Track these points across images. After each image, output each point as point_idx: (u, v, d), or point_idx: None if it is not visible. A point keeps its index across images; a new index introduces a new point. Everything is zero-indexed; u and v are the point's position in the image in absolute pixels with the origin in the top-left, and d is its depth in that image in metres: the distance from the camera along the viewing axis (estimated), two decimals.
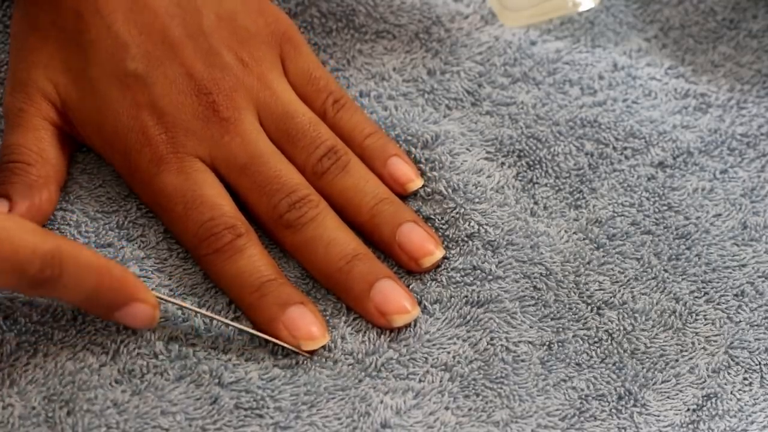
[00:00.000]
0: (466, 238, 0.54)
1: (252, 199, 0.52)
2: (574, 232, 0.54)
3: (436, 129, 0.57)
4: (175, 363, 0.49)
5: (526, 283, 0.53)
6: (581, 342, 0.51)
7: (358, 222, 0.53)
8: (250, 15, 0.55)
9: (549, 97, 0.59)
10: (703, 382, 0.50)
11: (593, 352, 0.51)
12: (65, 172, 0.53)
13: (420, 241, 0.52)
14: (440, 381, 0.50)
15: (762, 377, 0.51)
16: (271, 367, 0.49)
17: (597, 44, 0.61)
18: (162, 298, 0.49)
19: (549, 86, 0.59)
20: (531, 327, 0.51)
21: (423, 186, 0.55)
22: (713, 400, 0.50)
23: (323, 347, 0.50)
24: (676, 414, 0.49)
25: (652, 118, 0.58)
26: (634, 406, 0.50)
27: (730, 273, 0.54)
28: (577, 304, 0.52)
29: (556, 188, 0.56)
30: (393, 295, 0.51)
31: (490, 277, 0.52)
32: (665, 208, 0.56)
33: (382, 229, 0.53)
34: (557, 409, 0.49)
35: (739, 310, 0.53)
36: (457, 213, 0.54)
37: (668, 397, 0.50)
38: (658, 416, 0.49)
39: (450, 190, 0.55)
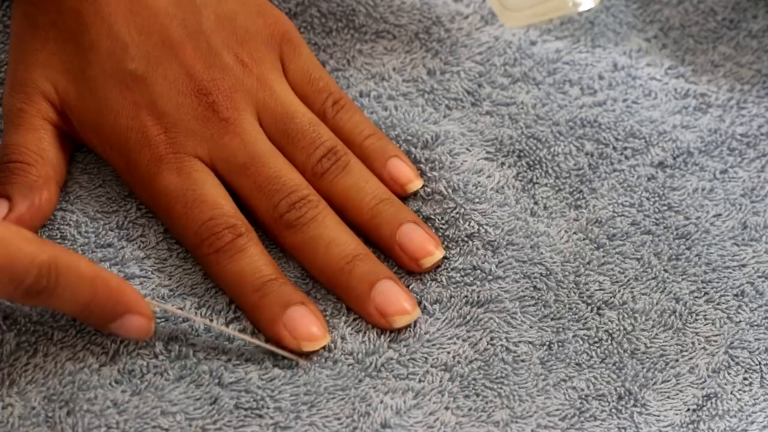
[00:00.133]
0: (466, 238, 0.54)
1: (252, 199, 0.52)
2: (574, 232, 0.54)
3: (436, 129, 0.57)
4: (175, 363, 0.49)
5: (526, 283, 0.53)
6: (581, 342, 0.51)
7: (358, 222, 0.53)
8: (250, 16, 0.55)
9: (549, 97, 0.59)
10: (703, 382, 0.50)
11: (593, 352, 0.51)
12: (65, 172, 0.53)
13: (420, 241, 0.52)
14: (440, 381, 0.50)
15: (762, 377, 0.51)
16: (271, 367, 0.49)
17: (597, 44, 0.61)
18: (160, 308, 0.49)
19: (549, 86, 0.59)
20: (531, 327, 0.51)
21: (423, 186, 0.55)
22: (713, 400, 0.50)
23: (323, 347, 0.50)
24: (676, 414, 0.49)
25: (652, 118, 0.58)
26: (634, 406, 0.50)
27: (730, 273, 0.54)
28: (577, 304, 0.52)
29: (556, 188, 0.56)
30: (394, 297, 0.51)
31: (490, 277, 0.52)
32: (665, 208, 0.56)
33: (382, 229, 0.53)
34: (557, 409, 0.49)
35: (739, 310, 0.53)
36: (457, 213, 0.54)
37: (668, 397, 0.50)
38: (658, 416, 0.49)
39: (450, 190, 0.55)
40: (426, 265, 0.52)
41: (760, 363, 0.51)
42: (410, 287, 0.52)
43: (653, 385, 0.50)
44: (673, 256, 0.54)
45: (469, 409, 0.49)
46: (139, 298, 0.48)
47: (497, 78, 0.59)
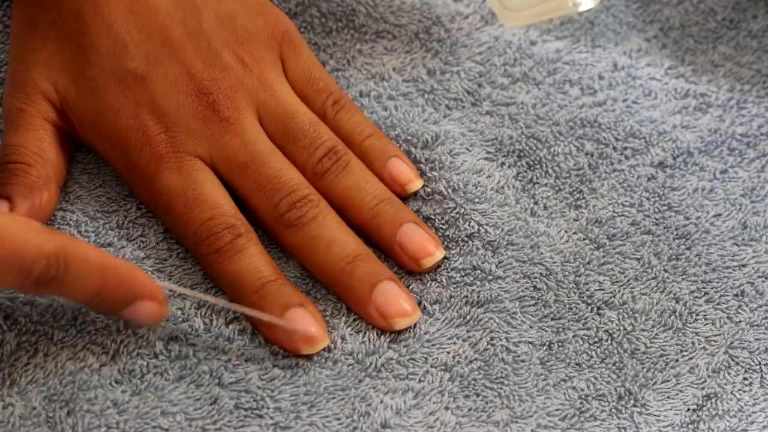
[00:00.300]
0: (466, 238, 0.54)
1: (252, 198, 0.52)
2: (574, 232, 0.54)
3: (436, 129, 0.57)
4: (175, 363, 0.49)
5: (526, 283, 0.53)
6: (581, 342, 0.51)
7: (358, 222, 0.53)
8: (250, 15, 0.55)
9: (549, 97, 0.59)
10: (703, 382, 0.50)
11: (593, 352, 0.51)
12: (65, 172, 0.53)
13: (420, 241, 0.52)
14: (440, 381, 0.50)
15: (762, 377, 0.51)
16: (271, 367, 0.49)
17: (597, 44, 0.61)
18: (172, 290, 0.49)
19: (549, 86, 0.59)
20: (531, 327, 0.51)
21: (423, 186, 0.55)
22: (713, 400, 0.50)
23: (323, 348, 0.50)
24: (676, 414, 0.49)
25: (652, 118, 0.58)
26: (634, 406, 0.50)
27: (730, 273, 0.54)
28: (577, 304, 0.52)
29: (556, 188, 0.56)
30: (395, 298, 0.51)
31: (490, 277, 0.52)
32: (665, 208, 0.56)
33: (382, 229, 0.53)
34: (557, 409, 0.49)
35: (739, 310, 0.53)
36: (457, 213, 0.54)
37: (668, 397, 0.50)
38: (658, 416, 0.49)
39: (450, 190, 0.55)
40: (426, 266, 0.52)
41: (760, 363, 0.51)
42: (410, 287, 0.52)
43: (653, 385, 0.50)
44: (673, 256, 0.54)
45: (469, 409, 0.49)
46: (151, 282, 0.47)
47: (497, 78, 0.59)
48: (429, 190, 0.55)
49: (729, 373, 0.51)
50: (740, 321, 0.52)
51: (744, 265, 0.54)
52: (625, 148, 0.57)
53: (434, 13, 0.61)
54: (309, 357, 0.50)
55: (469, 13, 0.62)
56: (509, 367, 0.50)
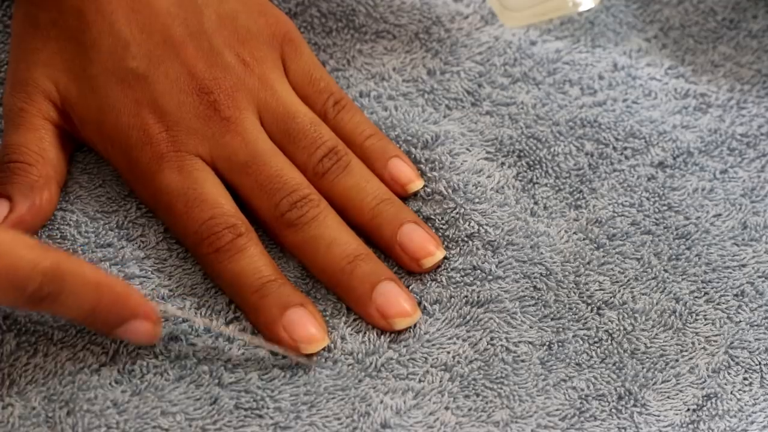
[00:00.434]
0: (466, 238, 0.54)
1: (253, 198, 0.52)
2: (574, 232, 0.54)
3: (436, 129, 0.57)
4: (175, 363, 0.49)
5: (526, 283, 0.53)
6: (581, 342, 0.51)
7: (358, 222, 0.53)
8: (251, 15, 0.55)
9: (549, 97, 0.59)
10: (703, 382, 0.50)
11: (593, 352, 0.51)
12: (65, 171, 0.53)
13: (421, 241, 0.52)
14: (440, 381, 0.50)
15: (762, 377, 0.51)
16: (271, 367, 0.49)
17: (597, 44, 0.61)
18: (166, 312, 0.49)
19: (549, 86, 0.59)
20: (531, 327, 0.51)
21: (423, 186, 0.55)
22: (713, 400, 0.50)
23: (323, 347, 0.50)
24: (676, 414, 0.49)
25: (652, 118, 0.58)
26: (634, 406, 0.50)
27: (730, 273, 0.54)
28: (577, 304, 0.52)
29: (556, 188, 0.56)
30: (395, 298, 0.51)
31: (490, 277, 0.52)
32: (665, 208, 0.56)
33: (383, 229, 0.53)
34: (557, 409, 0.49)
35: (739, 310, 0.53)
36: (457, 213, 0.54)
37: (668, 397, 0.50)
38: (658, 416, 0.49)
39: (450, 191, 0.55)
40: (427, 266, 0.52)
41: (760, 363, 0.51)
42: (410, 287, 0.52)
43: (653, 385, 0.50)
44: (673, 256, 0.54)
45: (469, 409, 0.49)
46: (145, 302, 0.47)
47: (497, 78, 0.59)
48: (429, 190, 0.55)
49: (729, 373, 0.51)
50: (740, 321, 0.52)
51: (744, 265, 0.54)
52: (625, 148, 0.57)
53: (434, 13, 0.61)
54: (309, 357, 0.50)
55: (469, 13, 0.62)
56: (509, 367, 0.50)
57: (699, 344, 0.52)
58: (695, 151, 0.58)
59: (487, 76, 0.59)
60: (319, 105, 0.55)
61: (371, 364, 0.50)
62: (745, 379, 0.51)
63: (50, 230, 0.52)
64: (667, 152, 0.57)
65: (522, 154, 0.57)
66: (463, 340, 0.51)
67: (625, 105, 0.59)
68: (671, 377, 0.50)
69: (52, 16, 0.53)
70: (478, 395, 0.49)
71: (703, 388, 0.50)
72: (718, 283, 0.53)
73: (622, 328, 0.52)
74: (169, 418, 0.47)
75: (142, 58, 0.52)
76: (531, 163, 0.56)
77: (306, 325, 0.49)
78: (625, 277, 0.53)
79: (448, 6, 0.62)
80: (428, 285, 0.52)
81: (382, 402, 0.49)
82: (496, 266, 0.53)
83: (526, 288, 0.52)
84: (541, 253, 0.54)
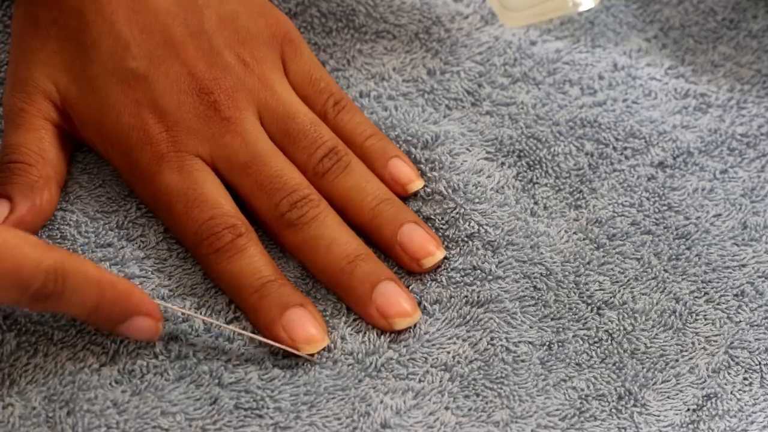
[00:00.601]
0: (466, 238, 0.54)
1: (253, 198, 0.52)
2: (574, 232, 0.54)
3: (436, 129, 0.57)
4: (175, 363, 0.49)
5: (526, 283, 0.53)
6: (581, 342, 0.51)
7: (359, 222, 0.53)
8: (252, 16, 0.55)
9: (549, 97, 0.59)
10: (703, 382, 0.50)
11: (593, 352, 0.51)
12: (65, 172, 0.53)
13: (421, 241, 0.52)
14: (440, 381, 0.50)
15: (762, 377, 0.51)
16: (271, 367, 0.49)
17: (597, 44, 0.61)
18: (167, 308, 0.49)
19: (549, 86, 0.59)
20: (531, 327, 0.51)
21: (423, 186, 0.55)
22: (713, 400, 0.50)
23: (323, 348, 0.50)
24: (676, 414, 0.49)
25: (652, 118, 0.58)
26: (634, 406, 0.50)
27: (730, 273, 0.54)
28: (577, 304, 0.52)
29: (556, 188, 0.56)
30: (395, 298, 0.51)
31: (490, 277, 0.52)
32: (665, 208, 0.56)
33: (383, 229, 0.53)
34: (557, 409, 0.49)
35: (739, 310, 0.53)
36: (457, 213, 0.54)
37: (668, 397, 0.50)
38: (658, 416, 0.49)
39: (450, 191, 0.55)
40: (427, 266, 0.52)
41: (760, 363, 0.51)
42: (410, 287, 0.52)
43: (653, 385, 0.50)
44: (673, 256, 0.54)
45: (469, 409, 0.49)
46: (147, 299, 0.48)
47: (497, 78, 0.59)
48: (429, 190, 0.55)
49: (729, 373, 0.51)
50: (740, 321, 0.52)
51: (744, 265, 0.54)
52: (625, 148, 0.57)
53: (434, 13, 0.61)
54: (310, 357, 0.50)
55: (469, 13, 0.62)
56: (509, 367, 0.50)
57: (699, 344, 0.52)
58: (695, 151, 0.58)
59: (487, 76, 0.59)
60: (319, 105, 0.55)
61: (371, 364, 0.50)
62: (745, 379, 0.51)
63: (50, 230, 0.52)
64: (667, 152, 0.57)
65: (522, 154, 0.57)
66: (463, 340, 0.51)
67: (625, 105, 0.59)
68: (671, 377, 0.50)
69: (53, 16, 0.53)
70: (478, 395, 0.49)
71: (703, 388, 0.50)
72: (718, 283, 0.53)
73: (622, 328, 0.52)
74: (169, 418, 0.47)
75: (142, 59, 0.52)
76: (531, 163, 0.56)
77: (306, 325, 0.50)
78: (625, 277, 0.53)
79: (448, 6, 0.62)
80: (428, 285, 0.52)
81: (382, 402, 0.49)
82: (496, 266, 0.53)
83: (526, 288, 0.52)
84: (541, 253, 0.54)
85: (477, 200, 0.55)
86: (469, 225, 0.54)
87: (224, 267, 0.50)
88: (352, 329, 0.51)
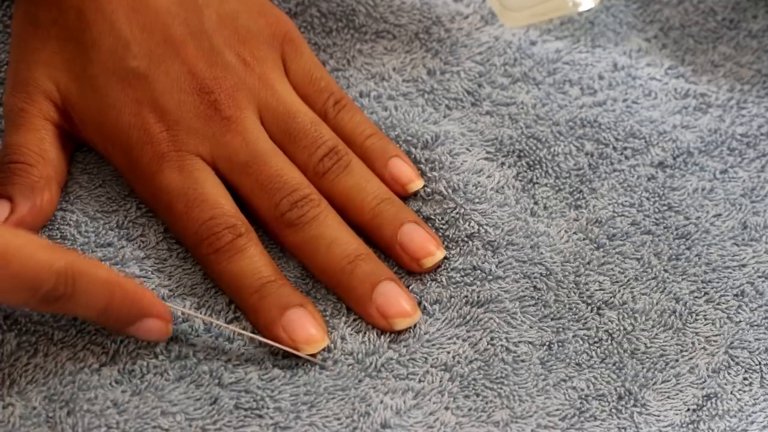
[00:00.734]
0: (466, 238, 0.54)
1: (253, 198, 0.52)
2: (574, 232, 0.54)
3: (436, 129, 0.57)
4: (175, 363, 0.49)
5: (526, 283, 0.53)
6: (581, 342, 0.51)
7: (359, 222, 0.53)
8: (252, 15, 0.55)
9: (549, 97, 0.59)
10: (703, 382, 0.50)
11: (593, 352, 0.51)
12: (66, 172, 0.53)
13: (421, 241, 0.52)
14: (440, 381, 0.50)
15: (762, 377, 0.51)
16: (271, 367, 0.49)
17: (597, 44, 0.61)
18: (176, 310, 0.49)
19: (549, 86, 0.59)
20: (531, 327, 0.51)
21: (423, 186, 0.55)
22: (713, 400, 0.50)
23: (323, 348, 0.50)
24: (676, 414, 0.49)
25: (652, 118, 0.58)
26: (634, 406, 0.50)
27: (730, 273, 0.54)
28: (577, 304, 0.52)
29: (556, 188, 0.56)
30: (395, 298, 0.51)
31: (490, 277, 0.52)
32: (665, 208, 0.56)
33: (383, 229, 0.53)
34: (557, 409, 0.49)
35: (739, 310, 0.53)
36: (457, 213, 0.54)
37: (668, 397, 0.50)
38: (658, 416, 0.49)
39: (450, 191, 0.55)
40: (427, 265, 0.52)
41: (760, 363, 0.51)
42: (410, 287, 0.52)
43: (653, 385, 0.50)
44: (673, 256, 0.54)
45: (469, 409, 0.49)
46: (157, 301, 0.48)
47: (497, 78, 0.59)
48: (429, 190, 0.55)
49: (729, 373, 0.51)
50: (740, 321, 0.52)
51: (744, 265, 0.54)
52: (625, 148, 0.57)
53: (434, 13, 0.61)
54: (311, 358, 0.50)
55: (469, 13, 0.62)
56: (509, 367, 0.50)
57: (699, 344, 0.52)
58: (695, 151, 0.58)
59: (487, 76, 0.59)
60: (320, 105, 0.55)
61: (371, 364, 0.50)
62: (745, 379, 0.51)
63: (50, 230, 0.52)
64: (667, 152, 0.57)
65: (522, 154, 0.57)
66: (463, 340, 0.51)
67: (625, 105, 0.59)
68: (671, 377, 0.50)
69: (53, 16, 0.53)
70: (478, 395, 0.49)
71: (703, 388, 0.50)
72: (718, 283, 0.53)
73: (622, 328, 0.52)
74: (169, 418, 0.47)
75: (142, 58, 0.52)
76: (531, 163, 0.56)
77: (305, 325, 0.49)
78: (625, 277, 0.53)
79: (448, 6, 0.62)
80: (428, 285, 0.52)
81: (382, 402, 0.49)
82: (496, 266, 0.53)
83: (526, 288, 0.52)
84: (541, 253, 0.54)
85: (477, 200, 0.55)
86: (469, 225, 0.54)
87: (224, 267, 0.50)
88: (352, 329, 0.51)
